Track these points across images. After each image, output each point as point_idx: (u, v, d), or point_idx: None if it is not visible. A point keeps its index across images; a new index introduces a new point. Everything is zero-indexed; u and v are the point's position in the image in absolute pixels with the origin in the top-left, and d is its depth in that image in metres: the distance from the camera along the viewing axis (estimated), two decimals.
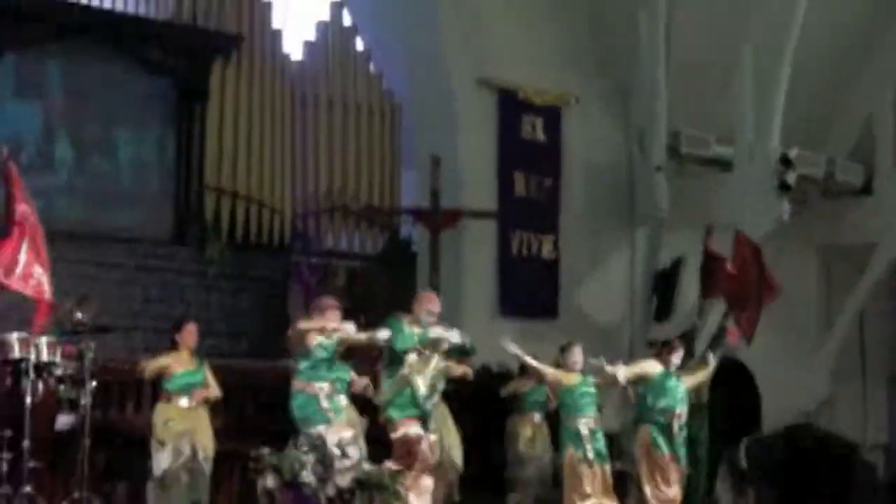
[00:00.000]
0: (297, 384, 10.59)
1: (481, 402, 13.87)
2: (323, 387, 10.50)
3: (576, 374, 12.38)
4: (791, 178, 17.00)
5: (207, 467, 11.47)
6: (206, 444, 11.50)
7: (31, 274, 11.18)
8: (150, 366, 11.53)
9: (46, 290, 11.24)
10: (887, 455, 17.54)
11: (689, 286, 17.21)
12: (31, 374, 10.97)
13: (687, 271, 17.37)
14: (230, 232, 17.36)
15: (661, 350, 12.99)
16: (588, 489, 11.95)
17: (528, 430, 13.69)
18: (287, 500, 9.45)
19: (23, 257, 11.16)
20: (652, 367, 12.73)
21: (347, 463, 9.47)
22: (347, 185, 18.70)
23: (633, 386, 12.82)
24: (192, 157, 17.31)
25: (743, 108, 17.35)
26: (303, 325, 10.72)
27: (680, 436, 12.55)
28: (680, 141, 17.36)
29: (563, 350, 12.52)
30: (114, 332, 12.96)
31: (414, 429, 10.58)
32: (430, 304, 11.11)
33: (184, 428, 11.35)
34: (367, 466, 9.75)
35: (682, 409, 12.65)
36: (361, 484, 9.51)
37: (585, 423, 12.14)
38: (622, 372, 12.36)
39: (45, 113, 16.44)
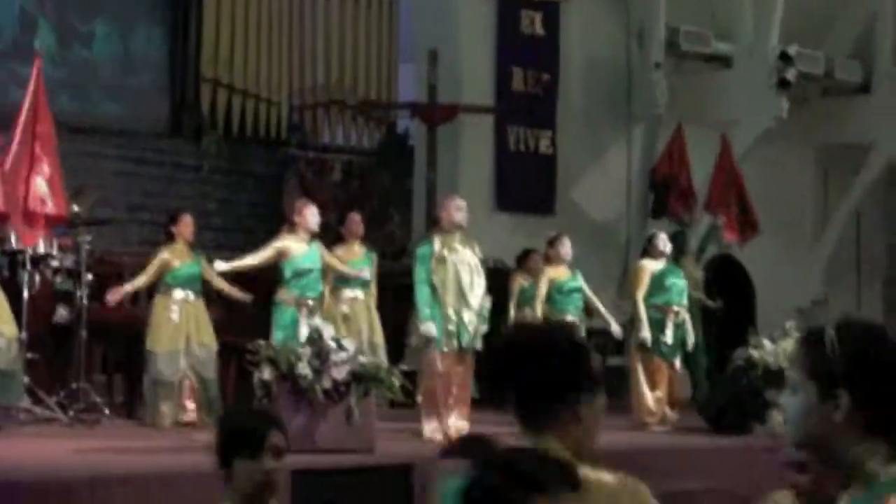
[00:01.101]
0: None
1: None
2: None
3: (564, 268, 12.43)
4: (790, 75, 16.94)
5: (210, 365, 11.50)
6: (208, 340, 11.53)
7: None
8: (151, 268, 11.49)
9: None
10: None
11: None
12: (28, 266, 11.01)
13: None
14: (226, 125, 17.31)
15: (646, 245, 13.05)
16: None
17: None
18: (283, 392, 9.50)
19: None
20: (649, 267, 12.76)
21: (343, 356, 9.52)
22: (344, 78, 18.62)
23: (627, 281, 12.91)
24: (189, 49, 17.22)
25: (742, 3, 17.24)
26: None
27: (678, 332, 12.61)
28: (679, 37, 17.27)
29: (552, 242, 12.55)
30: (110, 224, 12.99)
31: None
32: (454, 203, 11.14)
33: (178, 332, 11.34)
34: (362, 359, 9.80)
35: (679, 306, 12.69)
36: (357, 377, 9.57)
37: (571, 321, 12.19)
38: (640, 304, 12.45)
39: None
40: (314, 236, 11.20)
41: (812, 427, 2.67)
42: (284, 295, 10.97)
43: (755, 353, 12.04)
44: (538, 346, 2.90)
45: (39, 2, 16.45)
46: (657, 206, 17.51)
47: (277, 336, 10.66)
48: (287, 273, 10.98)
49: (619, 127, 18.02)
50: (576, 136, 17.61)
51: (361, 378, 9.61)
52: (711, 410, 12.33)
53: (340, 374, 9.45)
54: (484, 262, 11.52)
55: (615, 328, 12.52)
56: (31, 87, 11.29)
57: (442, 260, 10.89)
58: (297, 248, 11.04)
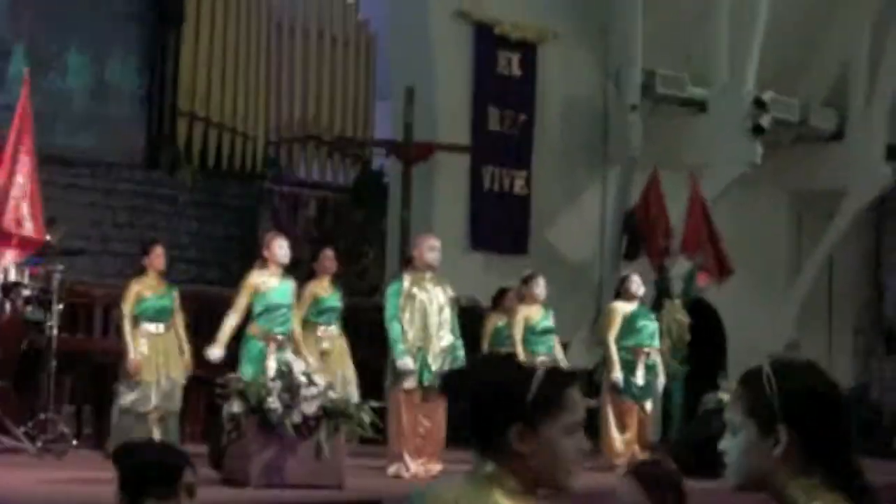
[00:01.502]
0: None
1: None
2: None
3: (537, 308, 12.44)
4: (765, 120, 17.03)
5: (175, 399, 11.43)
6: (175, 374, 11.44)
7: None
8: (126, 303, 11.40)
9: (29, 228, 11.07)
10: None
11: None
12: None
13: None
14: (202, 158, 17.30)
15: (619, 287, 13.10)
16: None
17: None
18: (252, 427, 9.47)
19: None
20: (621, 309, 12.79)
21: (314, 391, 9.49)
22: (321, 115, 18.65)
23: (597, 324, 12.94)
24: (166, 82, 17.23)
25: (718, 49, 17.35)
26: None
27: (649, 374, 12.63)
28: (655, 80, 17.34)
29: (526, 281, 12.56)
30: (82, 255, 12.94)
31: None
32: (427, 242, 11.22)
33: (151, 363, 11.28)
34: (332, 395, 9.77)
35: (650, 347, 12.71)
36: (327, 412, 9.54)
37: (542, 361, 12.18)
38: (612, 345, 12.49)
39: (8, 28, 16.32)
40: (286, 271, 11.16)
41: (752, 466, 2.71)
42: (254, 329, 10.92)
43: (725, 397, 12.05)
44: (476, 376, 2.90)
45: (14, 29, 16.42)
46: (631, 248, 17.56)
47: (246, 370, 10.60)
48: (257, 307, 10.92)
49: (594, 168, 18.06)
50: (551, 177, 17.64)
51: (331, 413, 9.58)
52: (682, 454, 12.32)
53: (310, 408, 9.42)
54: (457, 300, 11.56)
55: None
56: (18, 111, 11.22)
57: (410, 297, 10.94)
58: (267, 282, 11.00)
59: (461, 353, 11.16)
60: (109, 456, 10.91)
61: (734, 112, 17.10)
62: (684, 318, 15.48)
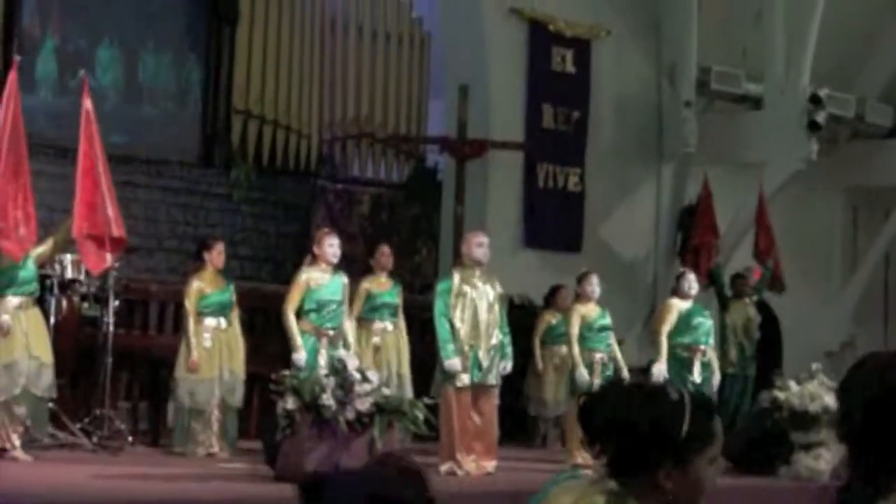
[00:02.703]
0: None
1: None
2: None
3: (593, 305, 12.41)
4: (821, 117, 16.90)
5: (237, 394, 11.49)
6: (237, 368, 11.52)
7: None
8: (189, 299, 11.50)
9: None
10: None
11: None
12: (56, 291, 11.06)
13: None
14: (256, 156, 17.36)
15: (675, 285, 13.07)
16: None
17: (557, 361, 13.84)
18: (306, 423, 9.50)
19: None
20: (677, 305, 12.75)
21: (367, 387, 9.51)
22: (375, 112, 18.67)
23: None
24: (221, 80, 17.30)
25: (774, 45, 17.23)
26: None
27: (704, 371, 12.60)
28: (710, 77, 17.27)
29: (581, 279, 12.54)
30: (138, 252, 13.03)
31: None
32: (476, 239, 11.24)
33: (213, 358, 11.35)
34: (386, 391, 9.79)
35: (706, 346, 12.67)
36: (380, 409, 9.56)
37: (600, 358, 12.19)
38: (663, 339, 12.45)
39: (67, 26, 16.44)
40: (337, 267, 11.18)
41: None
42: (304, 325, 10.94)
43: (781, 395, 11.99)
44: (627, 411, 2.84)
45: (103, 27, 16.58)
46: (684, 246, 17.50)
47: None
48: (308, 304, 10.95)
49: (648, 165, 18.00)
50: (605, 174, 17.60)
51: (385, 410, 9.60)
52: (736, 450, 12.27)
53: (364, 405, 9.45)
54: (506, 297, 11.57)
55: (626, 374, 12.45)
56: (84, 118, 11.20)
57: (461, 295, 10.95)
58: (318, 278, 11.01)
59: (510, 349, 11.19)
60: (167, 451, 11.01)
61: (790, 109, 16.98)
62: (753, 315, 15.34)
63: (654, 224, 18.03)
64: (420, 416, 9.82)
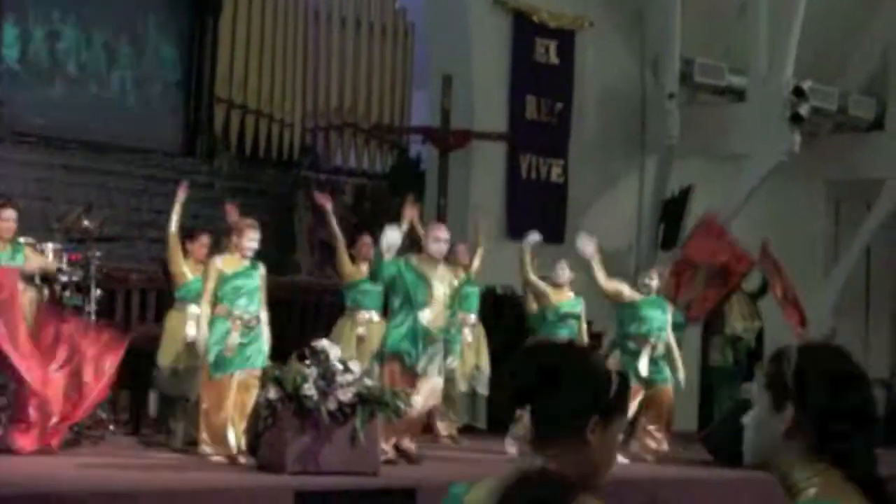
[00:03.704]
0: None
1: (487, 325, 13.85)
2: None
3: (565, 291, 12.47)
4: (804, 109, 16.91)
5: None
6: None
7: None
8: (175, 261, 11.41)
9: None
10: (888, 390, 17.56)
11: (696, 215, 17.23)
12: (38, 280, 11.02)
13: (695, 200, 17.40)
14: (239, 145, 17.34)
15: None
16: None
17: None
18: (288, 413, 9.49)
19: None
20: (631, 291, 12.75)
21: (349, 378, 9.51)
22: (358, 102, 18.65)
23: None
24: (204, 69, 17.26)
25: (757, 37, 17.25)
26: None
27: (658, 364, 12.56)
28: (693, 69, 17.27)
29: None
30: (119, 241, 13.01)
31: None
32: (436, 232, 11.19)
33: (192, 349, 11.28)
34: (368, 382, 9.79)
35: (656, 338, 12.61)
36: (363, 399, 9.56)
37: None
38: (601, 278, 12.46)
39: (53, 16, 16.39)
40: (254, 258, 10.90)
41: (763, 441, 2.75)
42: (218, 309, 10.63)
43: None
44: (563, 369, 2.90)
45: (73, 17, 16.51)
46: (667, 238, 17.52)
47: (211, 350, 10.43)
48: (221, 290, 10.65)
49: (631, 157, 18.02)
50: (588, 166, 17.61)
51: (367, 400, 9.60)
52: (716, 443, 12.30)
53: (346, 395, 9.44)
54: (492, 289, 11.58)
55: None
56: None
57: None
58: (231, 265, 10.75)
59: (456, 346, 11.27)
60: (149, 441, 10.97)
61: (773, 101, 16.99)
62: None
63: (636, 216, 18.04)
64: (402, 406, 9.82)
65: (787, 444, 2.69)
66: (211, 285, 10.39)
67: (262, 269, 10.65)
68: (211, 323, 10.29)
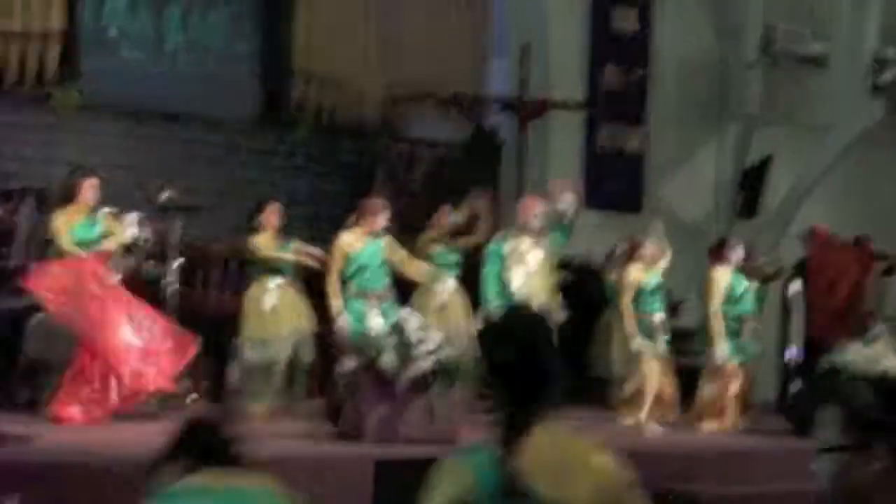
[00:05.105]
0: None
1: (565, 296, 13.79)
2: None
3: (648, 268, 12.36)
4: (886, 78, 16.70)
5: (307, 349, 11.49)
6: (304, 324, 11.50)
7: None
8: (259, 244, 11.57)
9: None
10: None
11: (776, 184, 17.08)
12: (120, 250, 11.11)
13: (775, 170, 17.24)
14: (317, 116, 17.36)
15: (716, 251, 12.91)
16: (654, 383, 11.97)
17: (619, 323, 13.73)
18: (366, 383, 9.53)
19: None
20: (720, 281, 12.58)
21: (428, 347, 9.52)
22: (435, 72, 18.60)
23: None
24: (282, 40, 17.30)
25: (840, 3, 17.03)
26: None
27: (750, 342, 12.51)
28: (775, 36, 17.09)
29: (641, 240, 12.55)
30: (199, 210, 13.08)
31: None
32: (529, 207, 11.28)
33: (275, 319, 11.34)
34: (447, 351, 9.80)
35: (750, 314, 12.54)
36: (441, 369, 9.57)
37: (659, 318, 12.16)
38: (718, 326, 12.28)
39: None
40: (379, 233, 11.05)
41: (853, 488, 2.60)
42: (350, 289, 10.78)
43: (842, 358, 11.90)
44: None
45: None
46: (746, 207, 17.38)
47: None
48: (349, 269, 10.83)
49: (710, 126, 17.88)
50: (667, 135, 17.50)
51: (446, 369, 9.61)
52: (796, 414, 12.20)
53: (425, 364, 9.46)
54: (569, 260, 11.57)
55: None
56: None
57: (515, 258, 11.00)
58: (355, 243, 10.91)
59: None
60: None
61: (855, 69, 16.80)
62: None
63: (715, 185, 17.91)
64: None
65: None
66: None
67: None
68: None
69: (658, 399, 12.05)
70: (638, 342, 11.87)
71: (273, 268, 11.50)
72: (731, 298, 12.48)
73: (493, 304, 10.99)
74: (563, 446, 2.90)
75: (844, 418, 2.53)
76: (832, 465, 2.53)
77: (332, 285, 10.67)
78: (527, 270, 11.09)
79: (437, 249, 12.26)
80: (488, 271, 11.13)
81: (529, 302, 10.80)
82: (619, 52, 17.37)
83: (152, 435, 9.17)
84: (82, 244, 10.45)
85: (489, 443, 2.95)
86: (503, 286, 11.06)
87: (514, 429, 2.90)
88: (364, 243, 10.88)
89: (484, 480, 2.90)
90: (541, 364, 2.95)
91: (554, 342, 3.16)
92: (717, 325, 12.27)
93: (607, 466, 2.98)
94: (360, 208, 11.17)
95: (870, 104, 16.79)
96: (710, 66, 17.77)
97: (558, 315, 11.40)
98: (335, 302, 10.57)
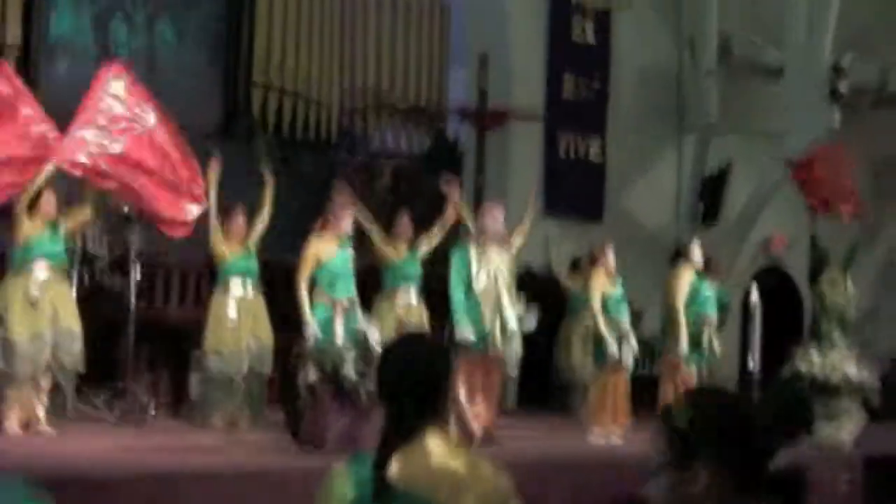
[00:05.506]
0: None
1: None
2: None
3: (610, 278, 12.36)
4: (843, 86, 16.79)
5: (265, 361, 11.44)
6: (264, 335, 11.46)
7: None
8: (215, 240, 11.50)
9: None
10: None
11: (735, 192, 17.14)
12: (77, 265, 11.07)
13: (734, 177, 17.30)
14: (277, 127, 17.33)
15: (675, 260, 12.91)
16: (621, 391, 12.00)
17: (582, 331, 13.75)
18: (327, 394, 9.50)
19: None
20: (685, 278, 12.62)
21: None
22: (395, 82, 18.62)
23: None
24: (241, 52, 17.27)
25: (796, 12, 17.12)
26: None
27: (711, 343, 12.53)
28: (731, 45, 17.18)
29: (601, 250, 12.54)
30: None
31: None
32: (492, 213, 11.26)
33: (236, 330, 11.29)
34: None
35: (712, 315, 12.58)
36: None
37: (626, 326, 12.16)
38: (681, 321, 12.28)
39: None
40: (347, 238, 11.05)
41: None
42: (319, 295, 10.76)
43: (802, 366, 11.94)
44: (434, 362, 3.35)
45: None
46: (708, 215, 17.44)
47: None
48: (319, 275, 10.80)
49: (669, 135, 17.95)
50: (626, 144, 17.56)
51: None
52: (760, 421, 12.22)
53: None
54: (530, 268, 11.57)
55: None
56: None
57: (479, 264, 11.00)
58: (327, 250, 10.88)
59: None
60: (190, 423, 10.99)
61: (812, 77, 16.89)
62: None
63: (675, 193, 17.97)
64: None
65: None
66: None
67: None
68: None
69: (615, 405, 12.07)
70: (614, 348, 11.87)
71: (233, 272, 11.45)
72: (693, 299, 12.50)
73: (459, 310, 10.96)
74: (448, 457, 2.99)
75: (665, 436, 2.59)
76: (660, 485, 2.60)
77: (301, 291, 10.59)
78: (490, 276, 11.05)
79: (398, 260, 12.23)
80: (454, 277, 11.10)
81: (496, 307, 10.86)
82: (578, 61, 17.42)
83: (109, 448, 9.14)
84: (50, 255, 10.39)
85: (373, 451, 3.06)
86: (468, 292, 11.02)
87: (397, 437, 2.99)
88: (335, 251, 10.83)
89: (361, 487, 2.97)
90: (422, 383, 3.07)
91: (446, 362, 3.25)
92: (681, 320, 12.27)
93: (492, 477, 3.09)
94: (326, 212, 11.14)
95: (827, 112, 16.88)
96: (668, 75, 17.84)
97: (530, 322, 11.39)
98: (305, 309, 10.48)
